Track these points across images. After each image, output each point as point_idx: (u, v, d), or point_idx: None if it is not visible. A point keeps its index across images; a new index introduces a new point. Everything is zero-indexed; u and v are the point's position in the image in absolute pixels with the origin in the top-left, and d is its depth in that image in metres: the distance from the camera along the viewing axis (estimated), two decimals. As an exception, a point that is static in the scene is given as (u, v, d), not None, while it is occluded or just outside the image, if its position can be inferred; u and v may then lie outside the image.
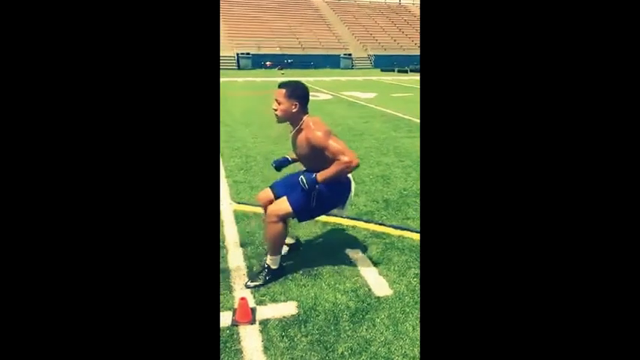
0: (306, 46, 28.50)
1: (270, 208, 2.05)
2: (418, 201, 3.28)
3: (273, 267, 2.08)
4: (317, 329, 1.74)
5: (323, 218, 2.91)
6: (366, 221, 2.89)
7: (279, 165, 2.24)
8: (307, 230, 2.71)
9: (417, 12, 43.92)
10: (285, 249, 2.25)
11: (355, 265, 2.28)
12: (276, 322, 1.78)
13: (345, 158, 1.87)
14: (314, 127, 1.96)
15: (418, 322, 1.78)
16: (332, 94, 11.76)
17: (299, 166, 2.27)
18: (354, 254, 2.40)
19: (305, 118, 2.01)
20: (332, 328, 1.75)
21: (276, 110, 2.01)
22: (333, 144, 1.91)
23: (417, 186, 3.64)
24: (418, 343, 1.65)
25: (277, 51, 28.48)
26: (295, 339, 1.68)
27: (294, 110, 1.98)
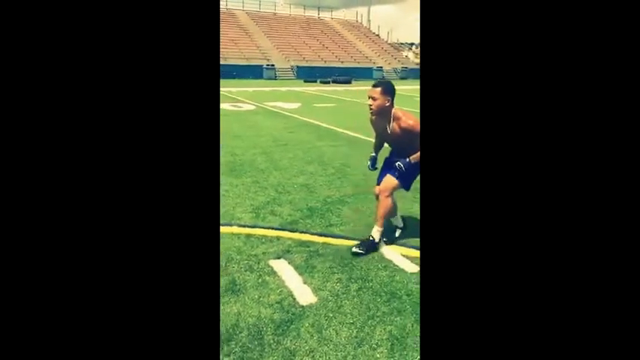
0: (228, 56, 27.98)
1: (381, 186, 2.55)
2: (342, 208, 3.37)
3: (377, 239, 2.56)
4: (240, 347, 1.68)
5: (245, 231, 2.86)
6: (290, 230, 2.89)
7: (374, 164, 2.81)
8: (229, 244, 2.63)
9: (335, 25, 45.66)
10: (398, 232, 2.79)
11: (279, 276, 2.26)
12: (197, 345, 1.69)
13: None
14: (405, 117, 2.46)
15: (342, 325, 1.82)
16: (255, 105, 11.67)
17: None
18: (279, 265, 2.38)
19: (394, 110, 2.49)
20: (256, 343, 1.70)
21: (371, 106, 2.45)
22: None
23: (340, 193, 3.75)
24: (342, 347, 1.68)
25: (197, 61, 27.45)
26: (217, 360, 1.60)
27: (387, 104, 2.45)
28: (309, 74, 29.72)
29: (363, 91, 19.44)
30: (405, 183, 2.59)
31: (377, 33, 48.04)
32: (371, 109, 2.48)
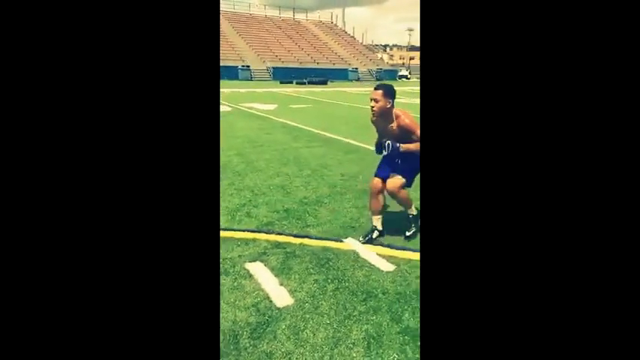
0: (201, 57, 27.53)
1: (390, 186, 2.72)
2: (318, 208, 3.38)
3: (414, 214, 2.87)
4: (215, 352, 1.65)
5: (221, 234, 2.81)
6: (266, 232, 2.87)
7: (380, 150, 2.83)
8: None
9: (311, 26, 45.72)
10: (375, 233, 2.84)
11: (256, 279, 2.23)
12: (170, 352, 1.65)
13: None
14: (403, 116, 2.66)
15: (319, 326, 1.82)
16: (231, 106, 11.53)
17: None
18: (254, 267, 2.36)
19: (394, 110, 2.67)
20: (232, 348, 1.68)
21: (373, 107, 2.63)
22: (419, 130, 2.61)
23: (316, 194, 3.75)
24: (319, 348, 1.68)
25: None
26: (191, 366, 1.57)
27: (388, 106, 2.62)
28: (284, 75, 29.64)
29: (339, 92, 19.58)
30: (407, 179, 2.77)
31: (352, 35, 48.43)
32: (373, 110, 2.65)
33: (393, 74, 38.96)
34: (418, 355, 1.65)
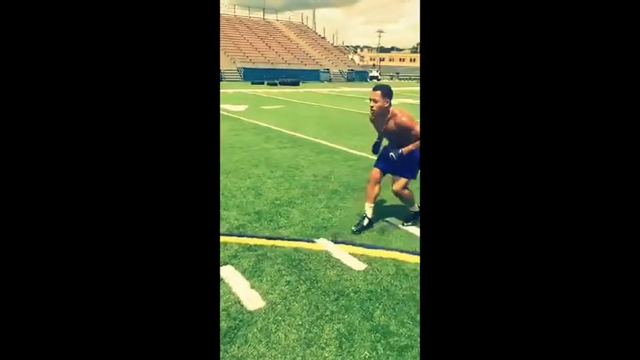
0: (169, 57, 26.86)
1: (396, 187, 2.97)
2: (290, 210, 3.36)
3: (417, 209, 3.09)
4: (184, 359, 1.61)
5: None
6: (237, 235, 2.83)
7: (376, 149, 3.11)
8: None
9: (281, 27, 45.55)
10: (366, 221, 2.99)
11: (227, 283, 2.20)
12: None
13: None
14: (400, 114, 2.83)
15: (291, 328, 1.81)
16: (200, 108, 11.28)
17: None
18: (225, 271, 2.32)
19: (391, 109, 2.84)
20: (202, 354, 1.64)
21: (373, 107, 2.80)
22: (417, 126, 2.79)
23: (288, 195, 3.73)
24: (291, 349, 1.67)
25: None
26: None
27: (386, 105, 2.81)
28: (255, 76, 29.37)
29: (311, 93, 19.58)
30: (410, 177, 2.98)
31: (322, 35, 48.60)
32: (373, 110, 2.82)
33: (364, 75, 39.40)
34: (389, 352, 1.67)
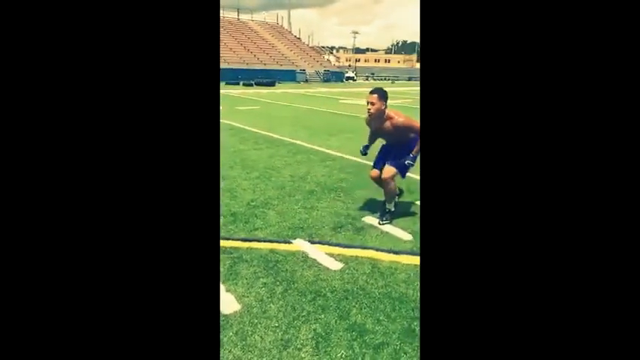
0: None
1: (386, 174, 3.05)
2: (266, 211, 3.34)
3: (393, 209, 3.16)
4: (157, 366, 1.57)
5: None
6: (212, 238, 2.79)
7: (365, 151, 3.31)
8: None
9: (256, 27, 45.22)
10: (396, 198, 3.28)
11: (201, 287, 2.16)
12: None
13: None
14: (396, 116, 2.97)
15: (267, 330, 1.79)
16: (174, 109, 11.06)
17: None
18: (200, 275, 2.28)
19: (387, 111, 2.98)
20: None
21: (370, 110, 2.92)
22: (416, 124, 2.95)
23: (264, 197, 3.71)
24: (267, 351, 1.66)
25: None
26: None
27: (383, 108, 2.94)
28: (230, 76, 29.00)
29: (287, 94, 19.54)
30: (400, 170, 3.08)
31: (298, 36, 48.55)
32: (370, 112, 2.94)
33: (340, 76, 39.62)
34: (365, 350, 1.69)
